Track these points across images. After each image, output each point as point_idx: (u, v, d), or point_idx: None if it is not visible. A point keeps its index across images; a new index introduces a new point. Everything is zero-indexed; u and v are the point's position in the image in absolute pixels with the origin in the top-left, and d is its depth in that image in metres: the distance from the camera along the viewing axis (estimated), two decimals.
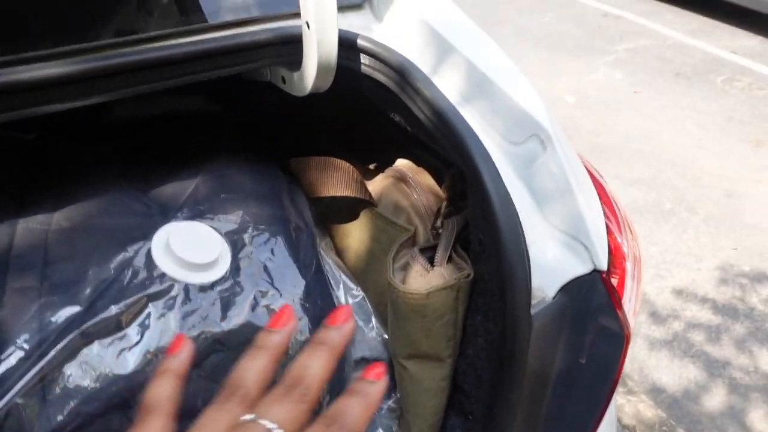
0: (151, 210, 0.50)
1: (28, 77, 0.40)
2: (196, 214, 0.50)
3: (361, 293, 0.57)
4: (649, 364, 1.68)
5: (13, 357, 0.38)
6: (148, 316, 0.42)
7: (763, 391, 1.57)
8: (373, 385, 0.26)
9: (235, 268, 0.47)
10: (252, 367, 0.24)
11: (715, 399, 1.54)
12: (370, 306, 0.57)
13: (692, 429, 1.46)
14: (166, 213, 0.50)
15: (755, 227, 2.14)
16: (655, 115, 2.86)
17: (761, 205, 2.25)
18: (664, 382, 1.59)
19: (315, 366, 0.25)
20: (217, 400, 0.23)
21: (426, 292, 0.48)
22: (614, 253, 0.47)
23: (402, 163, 0.67)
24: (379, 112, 0.62)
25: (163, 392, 0.23)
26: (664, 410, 1.51)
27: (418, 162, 0.66)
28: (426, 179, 0.63)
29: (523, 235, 0.43)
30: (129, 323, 0.41)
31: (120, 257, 0.44)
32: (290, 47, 0.52)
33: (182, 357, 0.25)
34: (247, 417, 0.22)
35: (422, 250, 0.53)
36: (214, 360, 0.44)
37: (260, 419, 0.22)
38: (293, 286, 0.48)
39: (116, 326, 0.40)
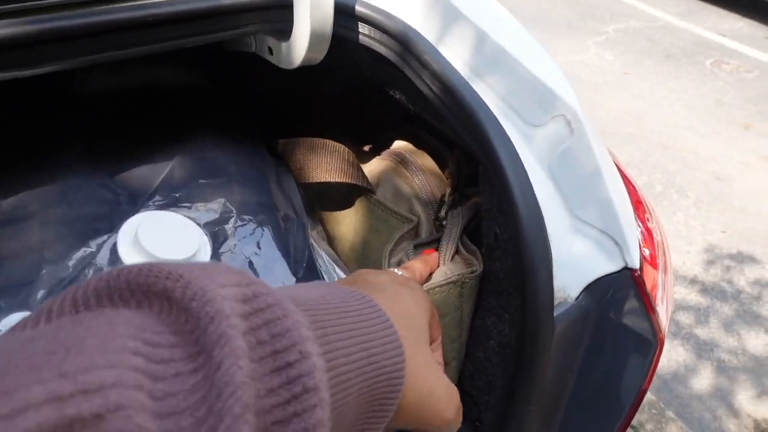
0: (118, 197, 0.43)
1: None
2: (171, 202, 0.43)
3: None
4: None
5: None
6: None
7: (751, 372, 1.57)
8: (430, 255, 0.45)
9: None
10: None
11: (704, 381, 1.54)
12: None
13: (681, 411, 1.45)
14: (136, 201, 0.43)
15: (744, 210, 2.13)
16: (645, 97, 2.83)
17: (750, 189, 2.25)
18: None
19: None
20: None
21: (425, 290, 0.42)
22: (641, 244, 0.42)
23: (400, 145, 0.61)
24: (377, 87, 0.56)
25: None
26: (654, 393, 1.50)
27: (417, 143, 0.61)
28: (428, 162, 0.57)
29: (547, 230, 0.38)
30: None
31: (80, 253, 0.38)
32: (278, 12, 0.45)
33: None
34: None
35: (418, 246, 0.48)
36: None
37: None
38: (282, 283, 0.43)
39: None
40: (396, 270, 0.40)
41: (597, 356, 0.41)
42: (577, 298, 0.40)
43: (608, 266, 0.39)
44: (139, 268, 0.20)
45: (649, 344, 0.40)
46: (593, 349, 0.41)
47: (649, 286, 0.41)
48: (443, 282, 0.43)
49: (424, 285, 0.43)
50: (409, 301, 0.33)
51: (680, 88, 2.98)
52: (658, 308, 0.40)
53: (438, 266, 0.45)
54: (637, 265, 0.39)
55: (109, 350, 0.16)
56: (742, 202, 2.18)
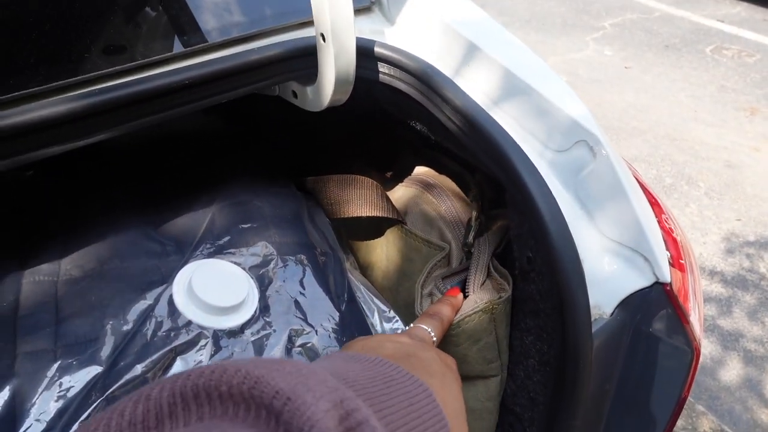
0: (166, 248, 0.46)
1: (16, 121, 0.36)
2: (216, 250, 0.46)
3: (394, 315, 0.53)
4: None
5: None
6: (177, 370, 0.38)
7: None
8: (455, 297, 0.47)
9: (264, 307, 0.43)
10: None
11: (732, 372, 1.54)
12: (405, 328, 0.53)
13: (711, 405, 1.45)
14: (183, 251, 0.46)
15: (757, 197, 2.13)
16: (648, 90, 2.84)
17: (761, 174, 2.24)
18: None
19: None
20: None
21: (456, 320, 0.44)
22: (667, 248, 0.43)
23: (422, 171, 0.63)
24: (398, 120, 0.58)
25: None
26: None
27: (438, 168, 0.63)
28: (451, 187, 0.59)
29: (578, 253, 0.40)
30: None
31: (140, 306, 0.40)
32: (303, 61, 0.48)
33: None
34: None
35: (447, 278, 0.50)
36: None
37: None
38: (327, 320, 0.45)
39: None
40: (424, 327, 0.42)
41: (634, 368, 0.43)
42: (612, 314, 0.41)
43: (640, 282, 0.41)
44: (245, 377, 0.20)
45: (685, 354, 0.41)
46: (630, 361, 0.43)
47: (678, 289, 0.43)
48: (471, 312, 0.45)
49: (455, 318, 0.45)
50: (455, 387, 0.35)
51: (682, 77, 2.98)
52: (690, 318, 0.41)
53: (461, 304, 0.47)
54: (668, 279, 0.41)
55: None
56: (755, 188, 2.18)
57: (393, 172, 0.67)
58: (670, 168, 2.28)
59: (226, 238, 0.47)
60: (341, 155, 0.69)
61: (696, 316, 0.43)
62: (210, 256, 0.45)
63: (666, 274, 0.40)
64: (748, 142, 2.44)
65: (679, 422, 1.40)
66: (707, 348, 1.61)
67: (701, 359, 1.58)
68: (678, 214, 2.06)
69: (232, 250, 0.46)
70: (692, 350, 0.41)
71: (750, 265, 1.86)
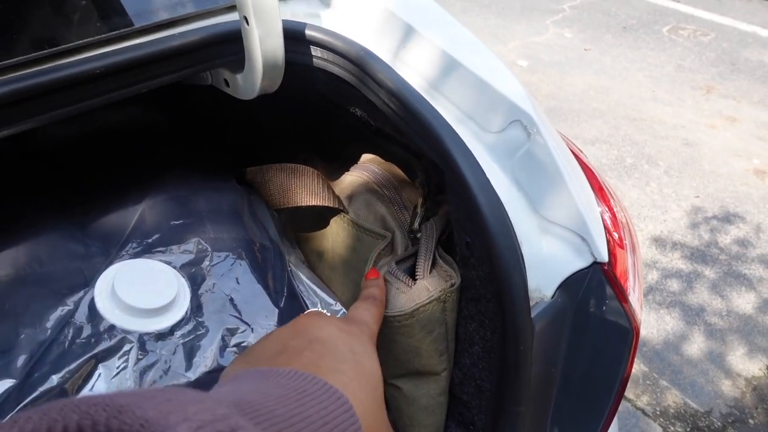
0: (90, 250, 0.43)
1: None
2: (144, 249, 0.43)
3: (341, 308, 0.52)
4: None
5: None
6: (99, 378, 0.36)
7: (739, 332, 1.61)
8: (376, 278, 0.46)
9: (196, 307, 0.41)
10: None
11: (694, 346, 1.58)
12: None
13: (674, 379, 1.49)
14: (109, 251, 0.43)
15: (714, 173, 2.18)
16: (608, 71, 2.88)
17: (717, 151, 2.30)
18: (643, 335, 1.61)
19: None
20: None
21: (410, 310, 0.43)
22: (608, 228, 0.43)
23: (368, 158, 0.62)
24: (338, 106, 0.56)
25: None
26: (646, 364, 1.53)
27: (385, 155, 0.61)
28: (397, 174, 0.58)
29: (515, 234, 0.39)
30: (76, 392, 0.35)
31: (57, 313, 0.38)
32: (229, 46, 0.45)
33: None
34: None
35: (400, 262, 0.48)
36: None
37: None
38: (265, 316, 0.43)
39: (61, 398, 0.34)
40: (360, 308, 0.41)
41: (578, 350, 0.43)
42: (553, 296, 0.41)
43: (578, 263, 0.40)
44: (105, 408, 0.18)
45: (626, 332, 0.41)
46: (574, 343, 0.43)
47: (620, 271, 0.43)
48: (427, 301, 0.44)
49: (409, 307, 0.44)
50: (365, 358, 0.34)
51: (641, 58, 3.03)
52: (630, 297, 0.41)
53: (414, 274, 0.46)
54: (605, 259, 0.40)
55: None
56: (712, 164, 2.23)
57: (340, 161, 0.66)
58: (631, 148, 2.31)
59: (156, 236, 0.45)
60: (285, 146, 0.67)
61: (636, 296, 0.43)
62: (137, 255, 0.43)
63: (603, 253, 0.40)
64: (705, 120, 2.50)
65: (644, 398, 1.43)
66: (669, 323, 1.65)
67: (664, 334, 1.62)
68: (639, 193, 2.10)
69: (161, 249, 0.44)
70: (632, 329, 0.41)
71: (709, 240, 1.91)
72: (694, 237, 1.92)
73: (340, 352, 0.33)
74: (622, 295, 0.40)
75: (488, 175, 0.40)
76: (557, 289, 0.41)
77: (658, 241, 1.91)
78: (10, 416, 0.34)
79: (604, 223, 0.43)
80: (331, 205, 0.52)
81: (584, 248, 0.40)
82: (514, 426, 0.42)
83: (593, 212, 0.41)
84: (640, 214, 2.00)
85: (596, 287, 0.40)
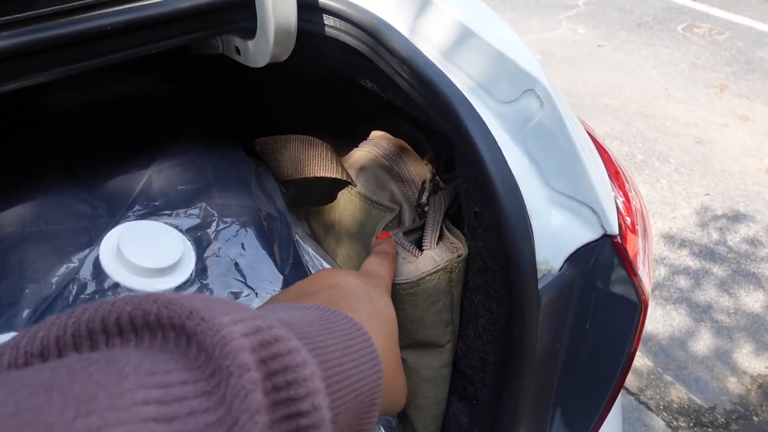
0: (97, 210, 0.43)
1: None
2: (151, 211, 0.43)
3: None
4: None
5: None
6: None
7: (746, 330, 1.59)
8: (387, 237, 0.46)
9: (201, 270, 0.41)
10: None
11: (700, 343, 1.56)
12: None
13: (679, 374, 1.48)
14: (115, 213, 0.43)
15: (725, 171, 2.16)
16: (621, 68, 2.85)
17: (729, 149, 2.27)
18: (649, 330, 1.61)
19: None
20: None
21: (416, 279, 0.43)
22: (618, 211, 0.42)
23: (378, 135, 0.61)
24: (349, 79, 0.56)
25: None
26: (651, 359, 1.52)
27: (395, 132, 0.61)
28: (406, 150, 0.58)
29: (525, 205, 0.39)
30: None
31: (62, 269, 0.38)
32: (241, 11, 0.45)
33: None
34: None
35: (407, 233, 0.48)
36: None
37: None
38: (270, 282, 0.43)
39: None
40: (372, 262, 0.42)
41: (585, 323, 0.42)
42: (561, 268, 0.40)
43: (588, 235, 0.40)
44: (155, 301, 0.19)
45: (634, 307, 0.40)
46: (581, 316, 0.42)
47: (630, 251, 0.42)
48: (432, 270, 0.43)
49: (415, 275, 0.43)
50: (382, 303, 0.36)
51: (654, 55, 2.99)
52: (639, 271, 0.40)
53: (421, 245, 0.46)
54: (616, 231, 0.39)
55: (119, 407, 0.16)
56: (723, 163, 2.21)
57: (349, 138, 0.65)
58: (642, 145, 2.29)
59: (163, 199, 0.44)
60: (295, 122, 0.67)
61: (645, 271, 0.42)
62: (144, 217, 0.43)
63: (614, 226, 0.39)
64: (717, 119, 2.47)
65: (648, 392, 1.42)
66: (676, 320, 1.63)
67: (670, 330, 1.61)
68: (649, 189, 2.08)
69: (167, 212, 0.43)
70: (641, 303, 0.40)
71: (719, 238, 1.89)
72: (703, 235, 1.91)
73: (358, 295, 0.34)
74: (631, 269, 0.39)
75: (500, 145, 0.39)
76: (566, 261, 0.40)
77: (667, 238, 1.89)
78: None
79: (617, 207, 0.43)
80: (340, 177, 0.52)
81: (594, 220, 0.40)
82: (516, 400, 0.42)
83: (605, 185, 0.41)
84: (650, 211, 1.99)
85: (605, 260, 0.40)
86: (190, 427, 0.17)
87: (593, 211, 0.39)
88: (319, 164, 0.52)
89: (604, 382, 0.43)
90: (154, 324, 0.19)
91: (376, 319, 0.33)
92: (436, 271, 0.43)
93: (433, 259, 0.44)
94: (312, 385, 0.20)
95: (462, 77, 0.45)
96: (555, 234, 0.40)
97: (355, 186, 0.53)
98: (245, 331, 0.19)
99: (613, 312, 0.41)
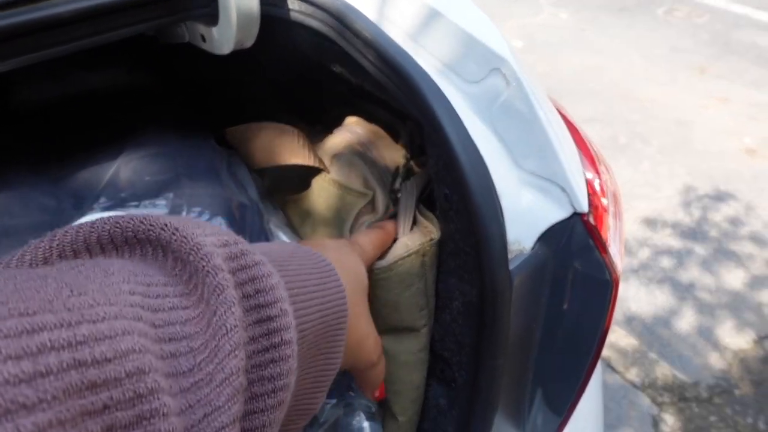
0: (62, 204, 0.42)
1: None
2: (117, 203, 0.42)
3: None
4: (618, 294, 1.72)
5: None
6: None
7: (728, 307, 1.62)
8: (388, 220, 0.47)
9: None
10: None
11: (684, 321, 1.59)
12: None
13: (663, 352, 1.50)
14: (81, 205, 0.42)
15: (706, 152, 2.18)
16: (603, 52, 2.86)
17: (709, 130, 2.29)
18: (633, 310, 1.62)
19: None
20: None
21: (388, 264, 0.43)
22: (591, 192, 0.43)
23: (352, 121, 0.61)
24: (318, 64, 0.55)
25: None
26: (636, 337, 1.54)
27: (369, 118, 0.60)
28: (380, 136, 0.57)
29: (494, 185, 0.38)
30: None
31: None
32: None
33: None
34: None
35: (380, 221, 0.48)
36: None
37: None
38: None
39: None
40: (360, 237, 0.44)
41: (559, 302, 0.42)
42: (532, 248, 0.40)
43: (558, 213, 0.40)
44: (132, 218, 0.21)
45: (606, 284, 0.40)
46: (554, 296, 0.42)
47: (602, 230, 0.42)
48: (405, 255, 0.43)
49: (386, 261, 0.43)
50: (351, 260, 0.38)
51: (636, 39, 3.00)
52: (610, 249, 0.41)
53: (396, 233, 0.45)
54: (586, 210, 0.40)
55: (108, 292, 0.17)
56: (704, 144, 2.23)
57: (322, 124, 0.65)
58: (624, 127, 2.31)
59: (130, 191, 0.44)
60: (268, 110, 0.66)
61: (616, 249, 0.42)
62: (109, 209, 0.42)
63: (584, 203, 0.39)
64: (698, 100, 2.49)
65: (633, 371, 1.44)
66: (660, 299, 1.65)
67: (654, 309, 1.63)
68: (632, 171, 2.09)
69: (134, 203, 0.43)
70: (612, 280, 0.40)
71: (701, 217, 1.92)
72: (685, 215, 1.93)
73: (328, 245, 0.37)
74: (602, 246, 0.40)
75: (467, 126, 0.39)
76: (537, 241, 0.40)
77: (651, 219, 1.91)
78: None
79: (591, 188, 0.43)
80: (312, 164, 0.51)
81: (564, 199, 0.40)
82: (492, 380, 0.42)
83: (575, 163, 0.41)
84: (633, 192, 2.00)
85: (576, 238, 0.40)
86: (174, 317, 0.19)
87: (562, 189, 0.39)
88: (291, 152, 0.52)
89: (580, 359, 0.43)
90: (132, 239, 0.20)
91: (341, 266, 0.34)
92: (408, 255, 0.43)
93: (406, 245, 0.43)
94: (278, 293, 0.22)
95: (429, 59, 0.44)
96: (525, 214, 0.40)
97: (329, 173, 0.53)
98: (216, 243, 0.21)
99: (585, 290, 0.41)
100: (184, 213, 0.44)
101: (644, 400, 1.37)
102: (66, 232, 0.20)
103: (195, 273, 0.19)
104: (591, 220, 0.40)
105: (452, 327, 0.45)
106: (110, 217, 0.21)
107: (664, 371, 1.44)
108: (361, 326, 0.37)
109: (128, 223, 0.20)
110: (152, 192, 0.44)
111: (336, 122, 0.62)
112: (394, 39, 0.43)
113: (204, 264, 0.19)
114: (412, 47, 0.45)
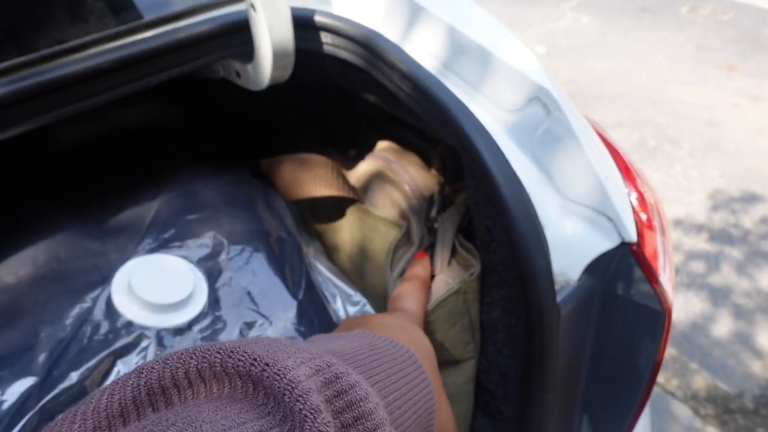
0: (107, 247, 0.43)
1: None
2: (161, 245, 0.43)
3: (361, 299, 0.51)
4: None
5: None
6: (118, 375, 0.36)
7: (766, 312, 1.56)
8: (423, 258, 0.47)
9: (213, 301, 0.41)
10: None
11: (722, 328, 1.54)
12: (372, 311, 0.51)
13: (704, 362, 1.45)
14: (125, 248, 0.43)
15: (739, 152, 2.12)
16: (627, 55, 2.81)
17: (741, 130, 2.23)
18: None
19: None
20: None
21: (431, 307, 0.42)
22: (636, 210, 0.41)
23: (384, 146, 0.60)
24: (350, 93, 0.55)
25: None
26: (675, 348, 1.50)
27: (401, 143, 0.60)
28: (413, 161, 0.57)
29: (537, 216, 0.38)
30: (96, 388, 0.35)
31: (76, 310, 0.38)
32: (238, 36, 0.45)
33: None
34: None
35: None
36: None
37: None
38: (283, 309, 0.42)
39: (80, 396, 0.34)
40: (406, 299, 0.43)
41: (608, 334, 0.41)
42: (579, 280, 0.39)
43: (605, 244, 0.39)
44: (219, 350, 0.20)
45: (657, 315, 0.39)
46: (603, 328, 0.41)
47: (649, 252, 0.41)
48: (446, 295, 0.43)
49: (430, 304, 0.43)
50: (417, 334, 0.36)
51: (660, 39, 2.95)
52: (660, 278, 0.39)
53: (432, 268, 0.45)
54: (634, 239, 0.38)
55: None
56: (737, 144, 2.17)
57: (355, 150, 0.65)
58: (653, 130, 2.26)
59: (172, 231, 0.44)
60: (300, 137, 0.67)
61: (666, 276, 0.41)
62: (154, 251, 0.42)
63: (632, 233, 0.38)
64: (728, 99, 2.43)
65: (674, 381, 1.40)
66: (697, 306, 1.61)
67: (692, 317, 1.58)
68: (663, 175, 2.05)
69: (177, 243, 0.43)
70: (664, 311, 0.39)
71: (735, 220, 1.86)
72: (719, 217, 1.87)
73: (392, 325, 0.35)
74: (652, 276, 0.38)
75: (507, 156, 0.38)
76: (583, 272, 0.39)
77: (684, 223, 1.86)
78: (30, 414, 0.33)
79: (631, 204, 0.41)
80: (345, 195, 0.51)
81: (611, 228, 0.39)
82: (541, 414, 0.41)
83: (620, 191, 0.40)
84: (665, 197, 1.96)
85: (625, 269, 0.39)
86: None
87: (609, 218, 0.38)
88: (324, 183, 0.52)
89: (631, 392, 0.42)
90: (220, 374, 0.20)
91: (415, 346, 0.33)
92: (449, 296, 0.42)
93: (446, 282, 0.43)
94: (378, 418, 0.21)
95: (463, 86, 0.44)
96: (571, 244, 0.39)
97: (363, 203, 0.53)
98: (309, 373, 0.20)
99: (636, 321, 0.40)
100: (224, 252, 0.44)
101: (686, 413, 1.33)
102: (153, 367, 0.20)
103: (290, 414, 0.19)
104: (640, 249, 0.38)
105: (497, 359, 0.44)
106: (197, 349, 0.20)
107: (706, 382, 1.40)
108: (444, 411, 0.35)
109: (216, 357, 0.20)
110: (193, 231, 0.45)
111: (367, 147, 0.62)
112: (426, 66, 0.43)
113: (301, 407, 0.19)
114: (443, 73, 0.45)
